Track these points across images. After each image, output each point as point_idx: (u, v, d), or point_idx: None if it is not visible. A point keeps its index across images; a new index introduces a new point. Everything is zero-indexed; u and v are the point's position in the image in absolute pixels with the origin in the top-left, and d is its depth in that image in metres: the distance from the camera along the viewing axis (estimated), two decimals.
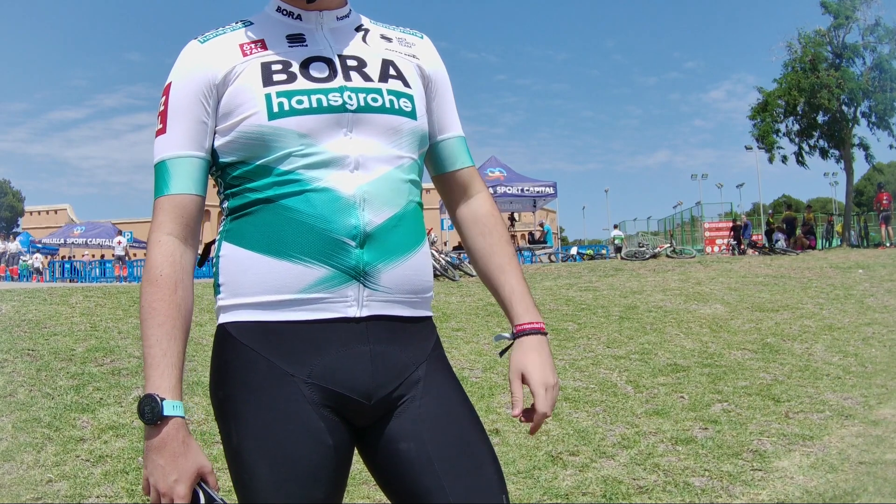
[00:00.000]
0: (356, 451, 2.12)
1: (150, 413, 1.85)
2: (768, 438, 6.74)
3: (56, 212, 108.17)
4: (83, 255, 58.42)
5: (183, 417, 1.89)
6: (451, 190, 2.42)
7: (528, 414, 2.17)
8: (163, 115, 2.07)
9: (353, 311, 2.00)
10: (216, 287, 2.08)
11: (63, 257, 58.39)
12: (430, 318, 2.24)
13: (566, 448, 6.53)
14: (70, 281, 42.40)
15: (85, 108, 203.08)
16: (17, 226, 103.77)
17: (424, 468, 2.00)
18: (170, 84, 2.08)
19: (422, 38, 2.40)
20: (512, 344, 2.27)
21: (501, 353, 2.37)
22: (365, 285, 2.00)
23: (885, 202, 34.26)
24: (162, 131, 2.06)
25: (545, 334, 2.27)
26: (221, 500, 1.87)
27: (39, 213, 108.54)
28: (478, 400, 7.71)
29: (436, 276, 19.02)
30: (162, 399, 1.85)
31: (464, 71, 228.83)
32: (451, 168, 2.39)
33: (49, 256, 61.49)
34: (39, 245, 62.07)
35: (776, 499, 5.37)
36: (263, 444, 1.93)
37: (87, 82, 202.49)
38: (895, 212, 34.19)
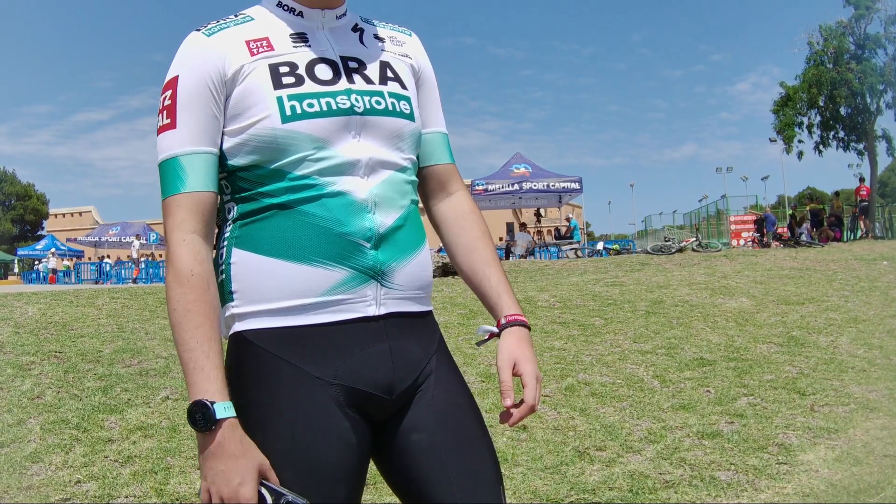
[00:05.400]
0: None
1: (203, 419, 1.83)
2: (794, 432, 6.76)
3: (81, 214, 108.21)
4: (113, 256, 58.89)
5: (235, 418, 1.87)
6: (428, 185, 2.42)
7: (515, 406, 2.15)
8: (170, 110, 2.03)
9: (373, 310, 2.04)
10: (227, 294, 2.06)
11: (93, 259, 58.86)
12: (431, 311, 2.29)
13: (593, 443, 6.57)
14: (96, 283, 42.73)
15: (109, 110, 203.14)
16: (42, 228, 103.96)
17: (432, 459, 2.06)
18: (176, 77, 2.05)
19: (410, 35, 2.43)
20: (489, 338, 2.31)
21: (479, 343, 2.44)
22: (382, 284, 2.05)
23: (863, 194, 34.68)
24: (170, 126, 2.02)
25: (529, 329, 2.28)
26: (287, 491, 1.86)
27: (64, 215, 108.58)
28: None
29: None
30: (212, 403, 1.83)
31: (490, 66, 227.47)
32: (429, 162, 2.39)
33: (74, 259, 61.99)
34: (64, 248, 62.64)
35: (801, 492, 5.40)
36: (290, 448, 1.95)
37: (112, 84, 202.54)
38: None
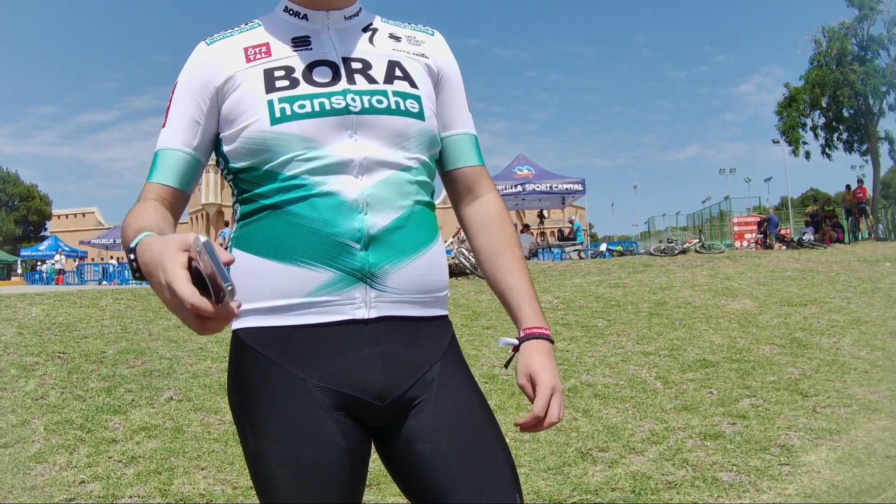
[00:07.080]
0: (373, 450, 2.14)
1: (130, 265, 1.71)
2: (796, 433, 6.76)
3: (84, 215, 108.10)
4: (121, 259, 58.91)
5: (150, 234, 1.73)
6: (457, 188, 2.38)
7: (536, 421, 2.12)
8: (167, 111, 2.17)
9: (362, 313, 2.01)
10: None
11: (96, 260, 58.87)
12: (444, 316, 2.23)
13: (596, 444, 6.58)
14: (99, 283, 42.77)
15: (114, 111, 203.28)
16: (45, 229, 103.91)
17: (440, 468, 2.01)
18: (176, 84, 2.17)
19: (433, 34, 2.38)
20: (513, 353, 2.23)
21: (506, 365, 2.33)
22: (372, 287, 2.01)
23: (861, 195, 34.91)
24: (164, 125, 2.17)
25: (552, 342, 2.21)
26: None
27: (67, 216, 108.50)
28: (508, 398, 7.76)
29: (466, 274, 19.08)
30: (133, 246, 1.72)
31: (495, 68, 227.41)
32: (456, 165, 2.35)
33: (77, 260, 61.98)
34: (66, 248, 62.72)
35: (803, 493, 5.40)
36: (279, 449, 1.96)
37: (117, 84, 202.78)
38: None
